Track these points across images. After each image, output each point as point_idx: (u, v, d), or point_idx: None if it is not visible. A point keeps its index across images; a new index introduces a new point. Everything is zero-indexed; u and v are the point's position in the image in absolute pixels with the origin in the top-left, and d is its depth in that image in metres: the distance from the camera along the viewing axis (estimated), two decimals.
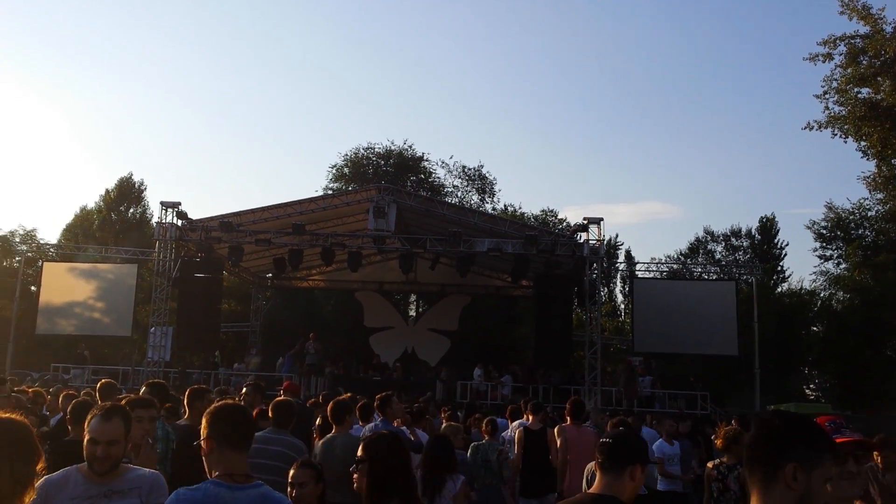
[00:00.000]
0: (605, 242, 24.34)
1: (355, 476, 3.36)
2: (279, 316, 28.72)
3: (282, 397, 6.12)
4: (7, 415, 2.73)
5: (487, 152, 79.95)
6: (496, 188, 39.95)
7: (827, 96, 20.82)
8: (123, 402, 4.35)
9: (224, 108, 69.03)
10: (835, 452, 2.11)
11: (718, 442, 7.52)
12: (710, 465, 7.33)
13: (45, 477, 3.30)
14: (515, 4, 70.71)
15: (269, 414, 5.80)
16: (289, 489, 4.00)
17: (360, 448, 3.42)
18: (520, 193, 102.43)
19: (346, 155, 37.62)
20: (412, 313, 34.22)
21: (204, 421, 3.00)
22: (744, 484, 7.08)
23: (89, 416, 3.45)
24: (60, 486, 3.31)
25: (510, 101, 70.55)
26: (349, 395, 8.08)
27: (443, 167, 39.12)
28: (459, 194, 39.20)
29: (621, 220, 72.70)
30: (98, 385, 7.52)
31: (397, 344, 26.58)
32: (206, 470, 2.97)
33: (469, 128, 67.74)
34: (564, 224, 37.42)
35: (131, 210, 39.14)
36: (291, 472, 4.13)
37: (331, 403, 6.71)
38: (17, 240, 32.24)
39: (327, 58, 71.90)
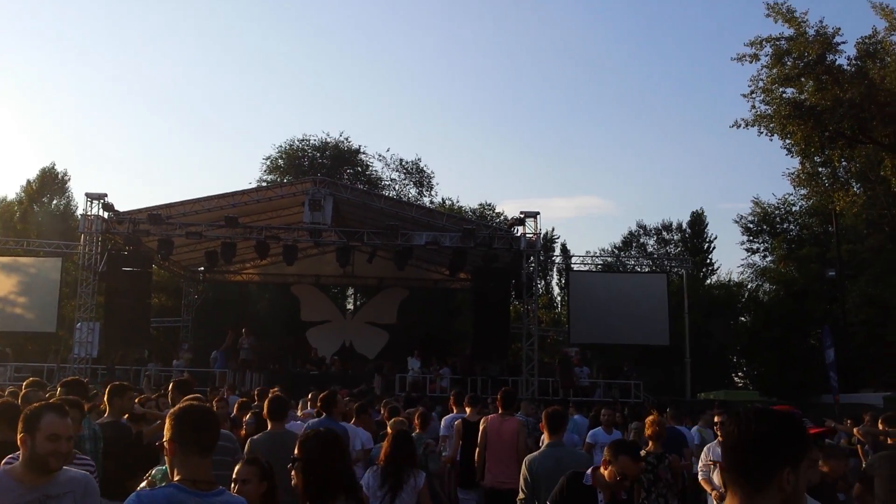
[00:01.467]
0: (542, 236, 24.62)
1: (293, 474, 3.24)
2: (212, 310, 28.05)
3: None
4: None
5: (425, 146, 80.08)
6: (434, 182, 39.95)
7: (754, 95, 21.42)
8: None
9: (153, 96, 67.07)
10: (811, 445, 2.06)
11: (647, 431, 7.66)
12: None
13: None
14: None
15: None
16: (232, 485, 3.86)
17: (297, 446, 3.30)
18: (458, 187, 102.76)
19: (281, 147, 37.10)
20: (350, 307, 33.95)
21: (168, 422, 2.90)
22: (676, 472, 7.27)
23: (37, 413, 3.25)
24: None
25: (448, 94, 70.68)
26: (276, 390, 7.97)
27: (380, 160, 38.92)
28: (397, 188, 39.10)
29: (557, 213, 73.89)
30: (25, 384, 7.19)
31: (335, 338, 26.31)
32: (169, 470, 2.90)
33: (406, 121, 67.59)
34: (502, 218, 37.70)
35: (55, 201, 37.70)
36: (237, 468, 4.01)
37: (268, 400, 6.62)
38: None
39: (261, 46, 70.63)
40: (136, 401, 7.40)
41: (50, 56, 63.54)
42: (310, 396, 10.26)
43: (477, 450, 8.15)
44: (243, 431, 8.11)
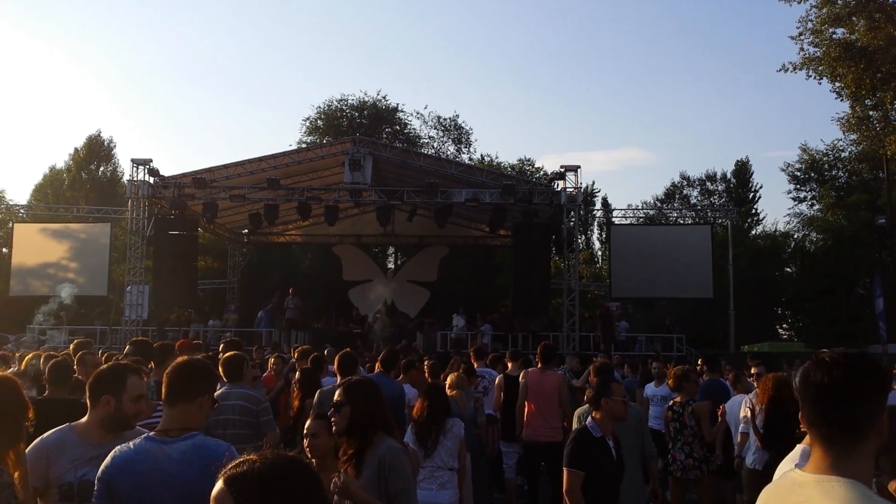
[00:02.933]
0: (582, 190, 24.37)
1: (334, 419, 3.56)
2: (256, 272, 28.56)
3: (231, 353, 6.08)
4: None
5: (463, 102, 79.33)
6: (472, 138, 39.74)
7: (802, 37, 20.71)
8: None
9: (194, 62, 67.50)
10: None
11: (670, 382, 7.71)
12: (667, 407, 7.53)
13: (38, 439, 3.27)
14: None
15: (220, 370, 5.72)
16: (304, 441, 4.08)
17: (339, 392, 3.62)
18: (496, 143, 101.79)
19: (320, 107, 37.18)
20: (391, 266, 34.22)
21: None
22: (698, 418, 7.26)
23: (121, 374, 3.40)
24: (60, 449, 3.24)
25: (485, 49, 69.68)
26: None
27: (418, 118, 38.80)
28: (435, 145, 38.98)
29: (598, 167, 72.85)
30: (72, 344, 7.49)
31: (377, 296, 26.60)
32: None
33: (444, 77, 66.98)
34: (541, 173, 37.40)
35: (101, 168, 38.46)
36: (307, 422, 4.18)
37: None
38: None
39: (298, 8, 70.27)
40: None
41: (93, 27, 64.29)
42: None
43: (517, 403, 8.26)
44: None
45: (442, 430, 5.40)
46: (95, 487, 2.79)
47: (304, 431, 4.11)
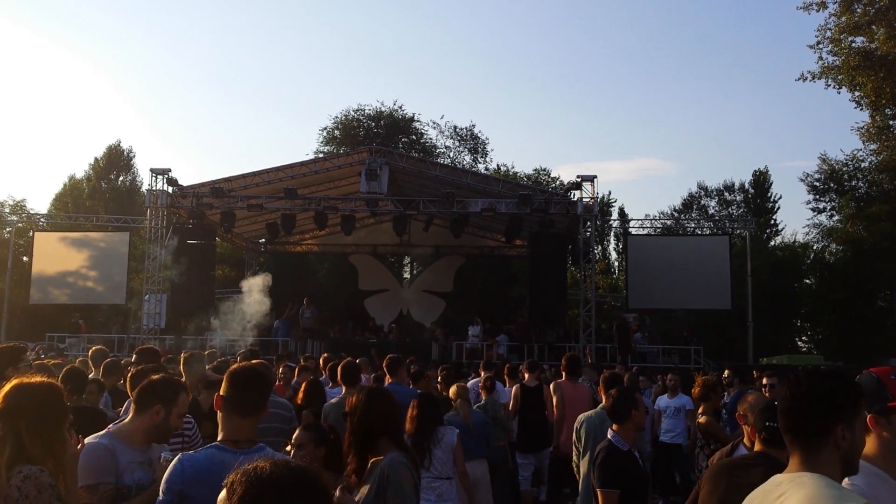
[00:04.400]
0: (599, 200, 24.30)
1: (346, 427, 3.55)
2: (273, 281, 28.64)
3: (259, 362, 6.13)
4: (35, 378, 2.92)
5: (479, 112, 79.46)
6: (488, 148, 39.82)
7: (821, 46, 20.65)
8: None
9: (212, 73, 68.15)
10: (863, 402, 2.11)
11: (695, 391, 7.63)
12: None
13: (91, 444, 3.31)
14: None
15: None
16: (290, 450, 4.05)
17: (349, 401, 3.60)
18: (512, 153, 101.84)
19: (337, 117, 37.39)
20: (406, 275, 34.25)
21: (224, 380, 3.02)
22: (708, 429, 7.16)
23: (176, 390, 3.50)
24: (115, 453, 3.32)
25: (501, 59, 69.84)
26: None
27: (434, 128, 38.94)
28: (452, 155, 39.07)
29: (614, 177, 72.68)
30: (90, 352, 7.55)
31: (392, 306, 26.62)
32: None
33: (460, 87, 67.16)
34: (558, 182, 37.36)
35: (121, 178, 38.86)
36: (296, 433, 4.19)
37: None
38: (7, 210, 32.02)
39: (315, 19, 70.79)
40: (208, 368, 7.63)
41: (114, 38, 65.09)
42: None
43: (554, 413, 8.19)
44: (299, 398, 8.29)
45: (434, 440, 5.34)
46: (163, 497, 2.74)
47: (292, 441, 4.08)
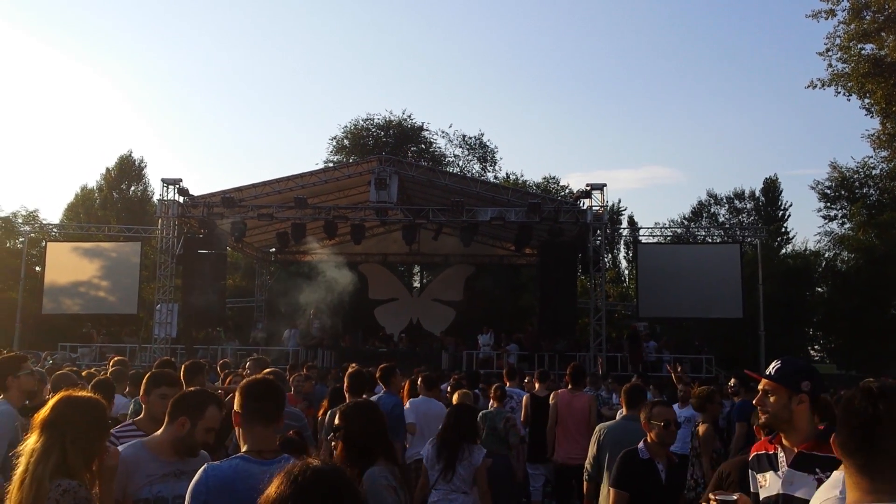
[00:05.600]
0: (609, 208, 24.27)
1: (333, 444, 3.51)
2: (284, 290, 28.76)
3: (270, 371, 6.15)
4: (81, 393, 2.98)
5: (488, 120, 79.61)
6: (497, 156, 39.84)
7: (830, 53, 20.59)
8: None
9: (222, 83, 68.59)
10: None
11: (693, 402, 7.68)
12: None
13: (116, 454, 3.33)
14: None
15: None
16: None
17: (337, 416, 3.54)
18: (521, 161, 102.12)
19: (346, 127, 37.55)
20: (416, 284, 34.27)
21: (237, 395, 3.02)
22: (702, 441, 7.16)
23: (203, 402, 3.45)
24: (136, 464, 3.31)
25: (510, 68, 69.98)
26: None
27: (443, 137, 39.02)
28: (461, 163, 39.12)
29: (624, 185, 72.58)
30: (111, 361, 7.60)
31: (402, 315, 26.63)
32: (238, 442, 3.00)
33: (469, 96, 67.30)
34: (567, 191, 37.33)
35: (132, 188, 39.09)
36: None
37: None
38: (20, 221, 32.25)
39: (324, 28, 71.19)
40: (228, 381, 7.64)
41: (125, 48, 65.63)
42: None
43: (548, 425, 8.20)
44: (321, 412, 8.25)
45: (462, 454, 5.29)
46: None
47: None
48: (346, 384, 6.64)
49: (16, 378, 4.75)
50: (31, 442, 2.74)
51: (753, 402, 3.17)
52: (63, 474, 2.68)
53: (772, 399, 2.92)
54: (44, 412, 2.80)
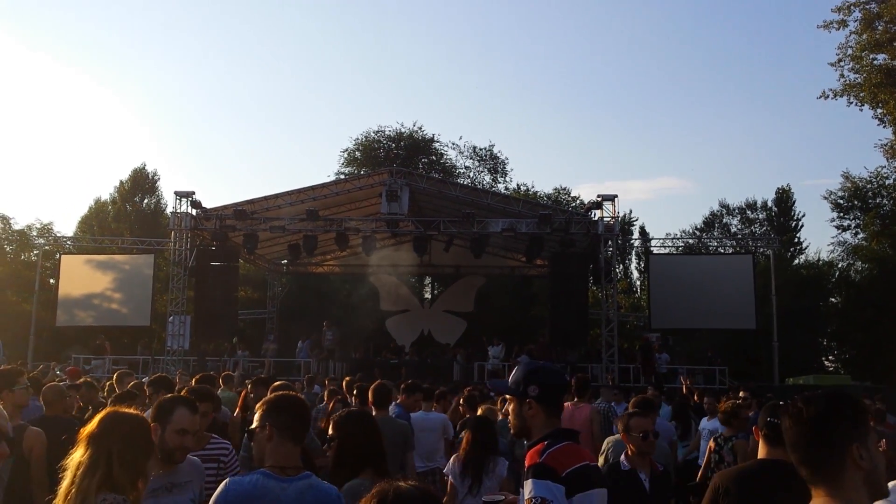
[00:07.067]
0: (620, 219, 24.24)
1: (329, 453, 3.51)
2: (295, 302, 28.86)
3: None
4: (126, 409, 2.99)
5: (498, 131, 79.70)
6: (508, 167, 39.87)
7: (842, 64, 20.55)
8: (184, 392, 4.46)
9: (234, 95, 69.08)
10: (870, 418, 2.03)
11: (720, 416, 7.65)
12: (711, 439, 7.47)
13: None
14: None
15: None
16: None
17: (331, 426, 3.55)
18: (532, 172, 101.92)
19: (357, 139, 37.72)
20: (427, 296, 34.26)
21: (261, 409, 3.01)
22: (737, 453, 7.17)
23: (169, 406, 3.44)
24: None
25: (519, 79, 70.12)
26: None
27: (453, 148, 39.09)
28: (471, 175, 39.16)
29: (635, 196, 72.43)
30: (115, 375, 7.63)
31: (413, 327, 26.63)
32: (257, 456, 3.00)
33: (479, 107, 67.45)
34: (578, 202, 37.28)
35: (146, 200, 39.31)
36: None
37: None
38: (35, 233, 32.53)
39: (334, 41, 71.67)
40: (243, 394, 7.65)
41: (138, 63, 66.27)
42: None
43: None
44: (325, 422, 8.24)
45: (486, 468, 5.30)
46: None
47: None
48: (370, 397, 6.56)
49: (11, 392, 4.80)
50: (78, 455, 2.74)
51: None
52: (109, 489, 2.69)
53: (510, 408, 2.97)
54: (90, 426, 2.81)
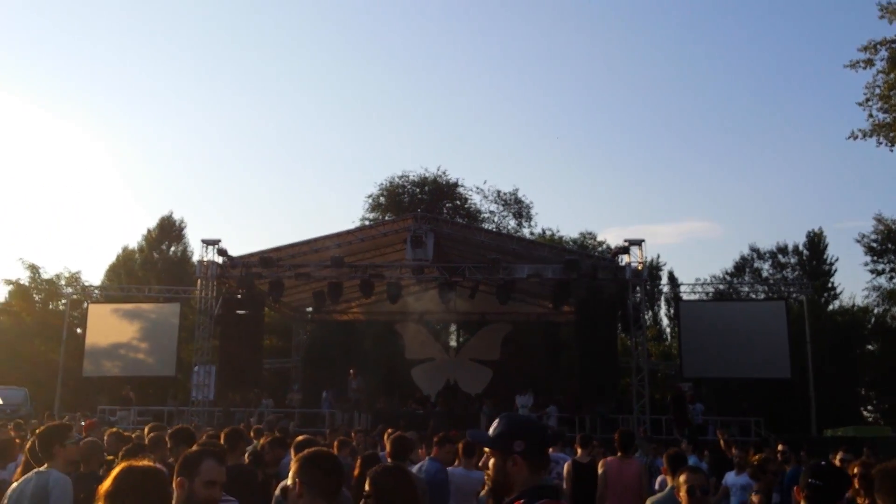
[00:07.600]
0: (648, 264, 23.90)
1: None
2: (320, 350, 28.67)
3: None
4: (143, 463, 3.06)
5: (523, 176, 79.89)
6: (533, 212, 39.71)
7: (870, 103, 20.17)
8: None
9: (260, 143, 70.16)
10: None
11: (749, 471, 7.41)
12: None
13: None
14: (546, 28, 70.88)
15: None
16: None
17: (367, 481, 3.37)
18: (557, 216, 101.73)
19: (382, 184, 37.93)
20: (453, 343, 33.90)
21: (296, 465, 3.02)
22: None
23: (197, 458, 3.40)
24: None
25: (543, 123, 70.48)
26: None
27: (478, 193, 39.07)
28: (496, 220, 39.07)
29: (662, 240, 71.89)
30: (147, 427, 7.54)
31: (439, 375, 26.25)
32: None
33: (503, 151, 67.75)
34: (604, 247, 36.97)
35: (172, 248, 39.67)
36: None
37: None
38: (63, 282, 32.88)
39: (360, 87, 72.75)
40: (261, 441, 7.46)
41: (168, 110, 67.75)
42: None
43: (597, 495, 7.80)
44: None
45: None
46: None
47: None
48: (388, 449, 6.41)
49: (63, 447, 4.89)
50: None
51: None
52: None
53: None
54: (106, 483, 2.85)
